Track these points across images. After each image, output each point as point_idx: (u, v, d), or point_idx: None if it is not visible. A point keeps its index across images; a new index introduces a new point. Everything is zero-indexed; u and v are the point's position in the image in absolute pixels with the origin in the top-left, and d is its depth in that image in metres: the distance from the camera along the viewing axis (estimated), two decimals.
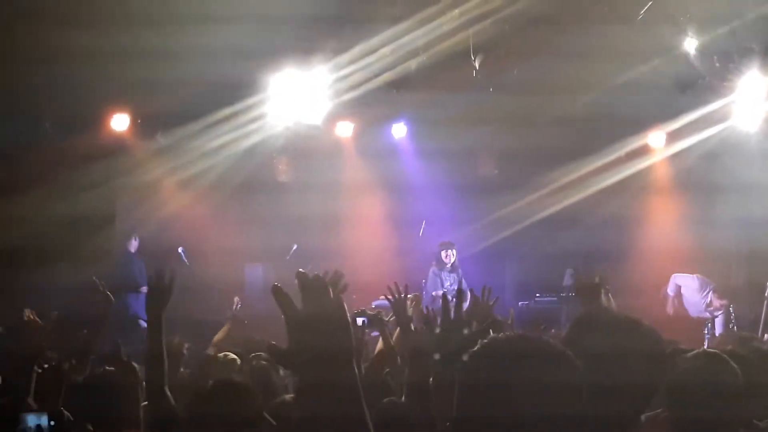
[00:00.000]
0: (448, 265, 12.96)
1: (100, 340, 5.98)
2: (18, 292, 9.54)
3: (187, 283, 12.18)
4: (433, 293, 12.78)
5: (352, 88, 11.11)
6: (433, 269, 13.06)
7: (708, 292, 12.74)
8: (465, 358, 2.11)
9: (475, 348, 2.12)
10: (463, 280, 12.76)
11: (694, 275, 13.02)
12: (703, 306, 12.70)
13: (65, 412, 4.63)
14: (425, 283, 12.92)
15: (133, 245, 12.69)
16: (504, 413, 2.01)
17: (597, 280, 4.76)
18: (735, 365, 3.56)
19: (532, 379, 2.02)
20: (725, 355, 3.69)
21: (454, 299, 2.98)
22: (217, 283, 12.58)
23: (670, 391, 3.26)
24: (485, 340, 2.13)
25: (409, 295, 5.33)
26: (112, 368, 4.95)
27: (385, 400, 4.80)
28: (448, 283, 12.87)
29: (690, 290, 13.03)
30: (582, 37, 9.96)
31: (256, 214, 13.03)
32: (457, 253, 13.02)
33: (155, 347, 4.29)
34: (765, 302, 11.94)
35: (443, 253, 12.99)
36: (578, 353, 2.49)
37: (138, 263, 12.47)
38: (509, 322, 5.54)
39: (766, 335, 10.33)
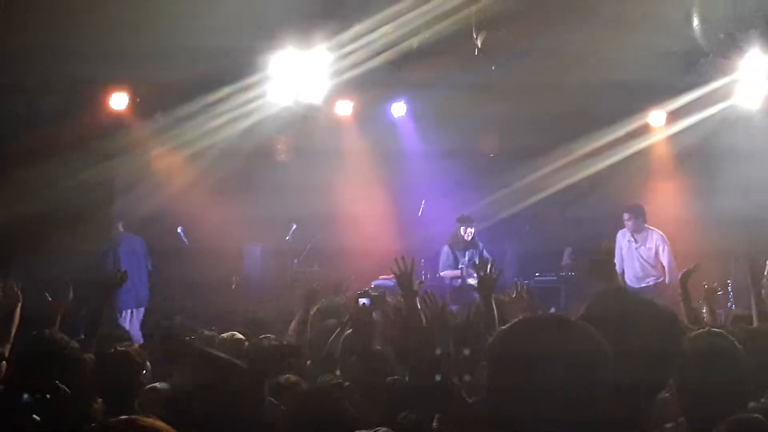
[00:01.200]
0: (467, 241, 12.56)
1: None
2: (18, 269, 9.54)
3: (186, 262, 12.33)
4: (441, 273, 12.57)
5: (353, 66, 11.03)
6: (445, 248, 12.73)
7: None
8: (494, 337, 2.13)
9: (506, 327, 2.14)
10: (485, 252, 12.53)
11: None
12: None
13: (61, 386, 4.62)
14: (423, 262, 12.84)
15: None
16: (534, 391, 2.05)
17: (603, 251, 4.70)
18: (738, 344, 3.58)
19: (564, 360, 2.04)
20: (729, 335, 3.70)
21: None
22: (216, 263, 12.58)
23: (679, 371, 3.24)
24: (517, 320, 2.16)
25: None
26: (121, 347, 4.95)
27: (389, 379, 4.79)
28: (466, 259, 12.48)
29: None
30: (585, 15, 9.89)
31: (256, 194, 13.01)
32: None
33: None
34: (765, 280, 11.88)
35: (462, 229, 12.54)
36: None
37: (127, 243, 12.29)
38: (516, 294, 5.56)
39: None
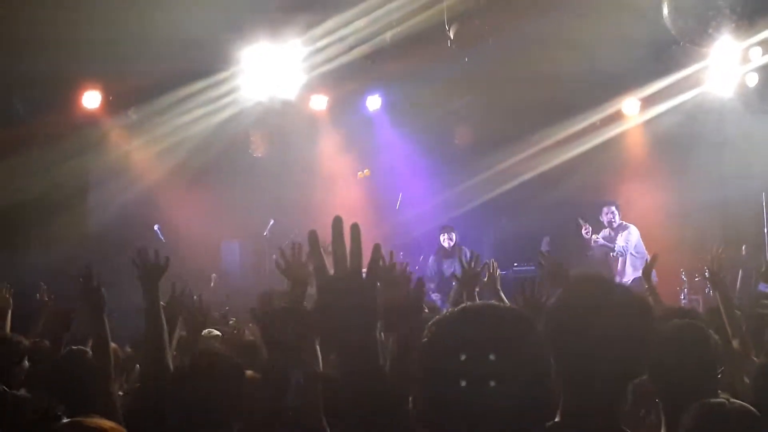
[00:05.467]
0: (449, 250, 12.65)
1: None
2: None
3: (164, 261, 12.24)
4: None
5: (327, 61, 11.02)
6: (431, 259, 12.88)
7: None
8: (429, 328, 2.14)
9: (442, 316, 2.15)
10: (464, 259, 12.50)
11: None
12: None
13: (8, 391, 4.53)
14: (401, 255, 12.83)
15: None
16: (468, 382, 2.04)
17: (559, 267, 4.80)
18: (712, 333, 3.63)
19: (495, 349, 2.05)
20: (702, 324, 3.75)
21: None
22: (194, 260, 12.52)
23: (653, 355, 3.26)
24: (453, 310, 2.16)
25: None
26: (82, 348, 4.86)
27: None
28: (450, 272, 12.50)
29: None
30: (556, 4, 9.94)
31: (232, 189, 12.96)
32: (457, 234, 12.77)
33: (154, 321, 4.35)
34: (740, 270, 12.00)
35: (441, 237, 12.76)
36: (567, 326, 2.51)
37: None
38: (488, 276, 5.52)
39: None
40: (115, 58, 10.31)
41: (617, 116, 13.67)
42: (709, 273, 5.58)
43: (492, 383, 2.01)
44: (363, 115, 13.48)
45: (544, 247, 13.76)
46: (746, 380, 4.46)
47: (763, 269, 6.28)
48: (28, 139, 11.02)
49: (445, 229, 12.79)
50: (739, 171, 12.70)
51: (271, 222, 13.13)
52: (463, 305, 2.20)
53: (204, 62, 10.99)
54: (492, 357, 2.03)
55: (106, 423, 2.64)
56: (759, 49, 11.62)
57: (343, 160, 13.73)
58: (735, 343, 4.69)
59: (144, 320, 4.46)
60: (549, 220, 13.58)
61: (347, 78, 11.84)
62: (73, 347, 4.84)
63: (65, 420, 2.69)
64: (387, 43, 10.66)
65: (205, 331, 5.98)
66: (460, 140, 14.14)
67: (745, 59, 11.90)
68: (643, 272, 6.41)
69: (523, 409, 2.05)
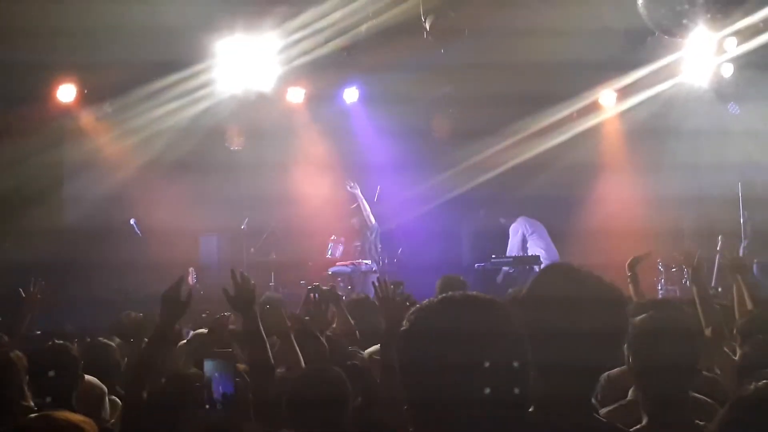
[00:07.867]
0: None
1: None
2: None
3: (141, 254, 12.21)
4: None
5: (303, 53, 10.99)
6: None
7: None
8: (408, 317, 2.15)
9: (423, 304, 2.19)
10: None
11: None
12: None
13: None
14: (380, 249, 12.90)
15: None
16: (448, 374, 2.06)
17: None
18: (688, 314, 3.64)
19: (473, 339, 2.07)
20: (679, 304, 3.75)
21: None
22: (171, 255, 12.45)
23: (631, 342, 3.24)
24: (435, 299, 2.18)
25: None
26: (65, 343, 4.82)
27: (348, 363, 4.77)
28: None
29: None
30: None
31: (208, 182, 12.90)
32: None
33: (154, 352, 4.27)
34: (717, 257, 12.08)
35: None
36: (539, 310, 2.51)
37: None
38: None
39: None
40: (90, 51, 10.24)
41: (594, 107, 13.72)
42: (688, 270, 5.57)
43: (473, 372, 2.03)
44: (340, 108, 13.45)
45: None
46: (717, 370, 4.48)
47: (730, 262, 6.26)
48: (3, 132, 10.94)
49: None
50: (715, 161, 12.77)
51: (246, 220, 13.12)
52: (443, 295, 2.20)
53: (179, 54, 10.91)
54: (473, 345, 2.05)
55: (76, 417, 2.62)
56: (734, 40, 11.67)
57: (321, 152, 13.70)
58: (708, 332, 4.71)
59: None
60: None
61: (324, 70, 11.80)
62: (56, 341, 4.80)
63: (34, 414, 2.67)
64: (363, 35, 10.63)
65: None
66: (438, 132, 14.15)
67: (720, 50, 11.95)
68: (629, 265, 6.40)
69: (503, 397, 2.05)
